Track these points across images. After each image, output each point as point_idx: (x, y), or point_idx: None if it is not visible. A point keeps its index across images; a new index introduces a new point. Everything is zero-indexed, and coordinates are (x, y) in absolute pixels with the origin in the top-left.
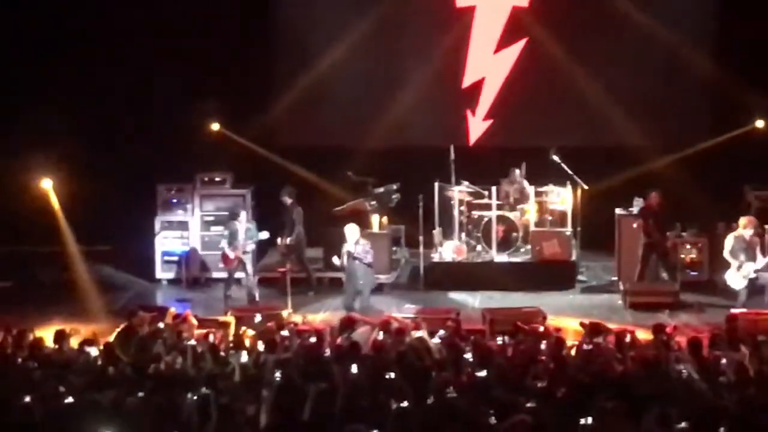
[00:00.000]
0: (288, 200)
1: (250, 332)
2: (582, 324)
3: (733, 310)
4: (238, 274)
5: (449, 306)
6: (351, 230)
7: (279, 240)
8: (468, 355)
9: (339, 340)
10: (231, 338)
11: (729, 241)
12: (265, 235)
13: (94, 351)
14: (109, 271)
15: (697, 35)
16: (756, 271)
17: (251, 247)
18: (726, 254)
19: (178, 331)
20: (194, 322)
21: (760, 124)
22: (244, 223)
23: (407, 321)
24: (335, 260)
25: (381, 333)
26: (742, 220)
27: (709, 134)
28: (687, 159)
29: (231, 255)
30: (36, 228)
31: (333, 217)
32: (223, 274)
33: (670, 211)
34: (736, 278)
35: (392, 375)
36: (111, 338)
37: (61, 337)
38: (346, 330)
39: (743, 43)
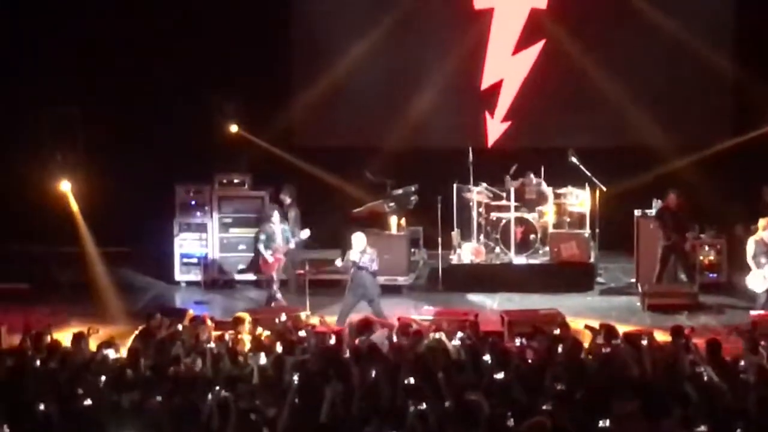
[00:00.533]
0: (287, 199)
1: (267, 333)
2: (587, 326)
3: (752, 312)
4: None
5: (468, 308)
6: (358, 239)
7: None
8: (486, 357)
9: (357, 342)
10: (247, 335)
11: (750, 246)
12: (306, 233)
13: (112, 353)
14: (127, 273)
15: (716, 35)
16: None
17: (292, 245)
18: (749, 260)
19: (196, 334)
20: (210, 324)
21: None
22: (278, 224)
23: (425, 323)
24: (337, 262)
25: (399, 335)
26: (762, 222)
27: (727, 135)
28: (705, 160)
29: (270, 260)
30: (55, 229)
31: (351, 218)
32: (241, 277)
33: (688, 213)
34: (758, 281)
35: (410, 377)
36: (129, 340)
37: (80, 338)
38: (364, 332)
39: (763, 43)
